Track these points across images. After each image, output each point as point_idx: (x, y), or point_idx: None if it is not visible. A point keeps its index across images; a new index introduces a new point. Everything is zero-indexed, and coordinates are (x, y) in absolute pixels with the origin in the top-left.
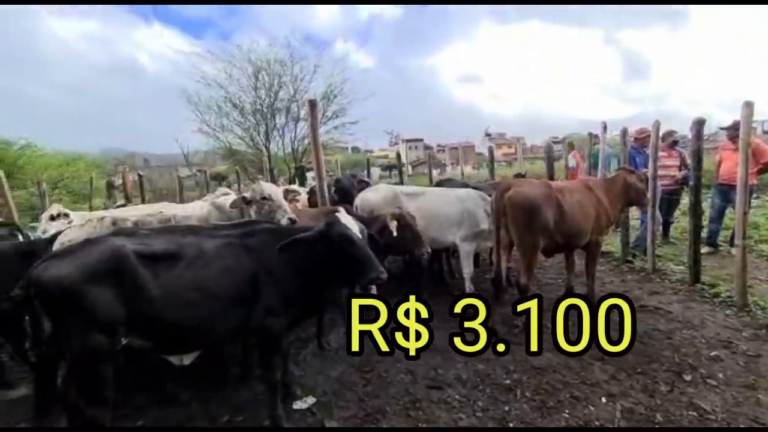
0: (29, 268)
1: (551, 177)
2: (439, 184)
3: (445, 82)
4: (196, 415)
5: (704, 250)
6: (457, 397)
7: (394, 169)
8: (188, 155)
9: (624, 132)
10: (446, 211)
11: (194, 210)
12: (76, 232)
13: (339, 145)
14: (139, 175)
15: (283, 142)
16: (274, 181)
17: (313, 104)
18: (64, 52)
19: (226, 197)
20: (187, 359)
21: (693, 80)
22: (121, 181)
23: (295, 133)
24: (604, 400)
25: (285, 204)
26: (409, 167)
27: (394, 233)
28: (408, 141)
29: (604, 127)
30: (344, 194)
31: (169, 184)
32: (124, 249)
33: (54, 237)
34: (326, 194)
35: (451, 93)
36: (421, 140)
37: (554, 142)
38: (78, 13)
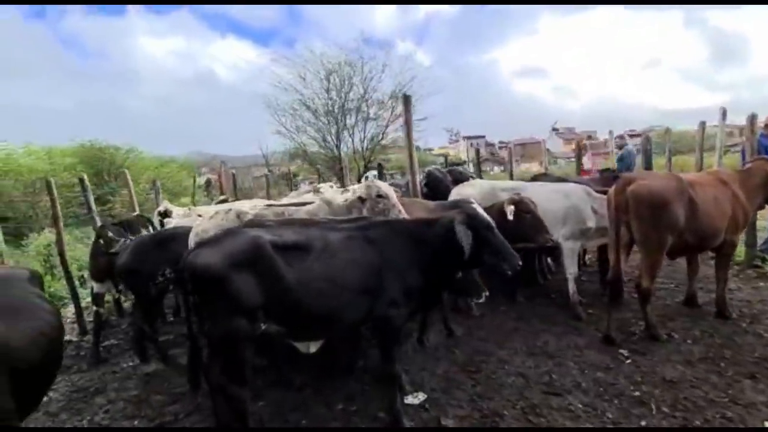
0: (164, 255)
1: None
2: (535, 179)
3: (504, 77)
4: (312, 401)
5: None
6: (580, 405)
7: (457, 167)
8: (267, 156)
9: (752, 118)
10: (550, 206)
11: (304, 207)
12: (207, 224)
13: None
14: (233, 175)
15: (353, 141)
16: (343, 179)
17: (407, 99)
18: (154, 68)
19: (326, 190)
20: (314, 347)
21: None
22: (215, 180)
23: (364, 132)
24: None
25: (398, 203)
26: (470, 165)
27: (510, 217)
28: (468, 138)
29: (724, 114)
30: (436, 187)
31: (248, 182)
32: (261, 239)
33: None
34: (419, 188)
35: (512, 88)
36: (483, 137)
37: (630, 135)
38: (166, 32)
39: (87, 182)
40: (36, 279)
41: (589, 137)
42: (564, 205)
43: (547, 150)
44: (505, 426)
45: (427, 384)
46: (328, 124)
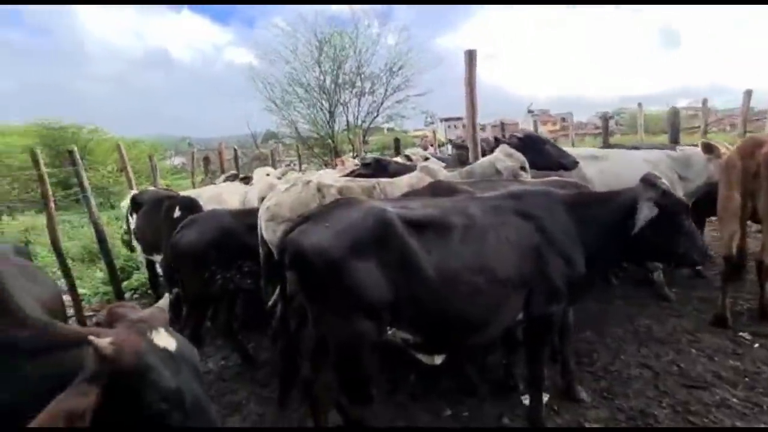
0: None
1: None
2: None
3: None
4: (412, 407)
5: None
6: (736, 401)
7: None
8: (255, 135)
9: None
10: (635, 177)
11: (402, 178)
12: (281, 197)
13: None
14: (235, 151)
15: (347, 118)
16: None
17: (471, 54)
18: (104, 48)
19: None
20: (439, 358)
21: None
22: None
23: (358, 108)
24: None
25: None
26: (449, 147)
27: None
28: (447, 120)
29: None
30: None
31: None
32: (388, 213)
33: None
34: (480, 157)
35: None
36: (460, 119)
37: (601, 118)
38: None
39: (78, 157)
40: (22, 254)
41: (564, 119)
42: None
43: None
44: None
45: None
46: (320, 99)
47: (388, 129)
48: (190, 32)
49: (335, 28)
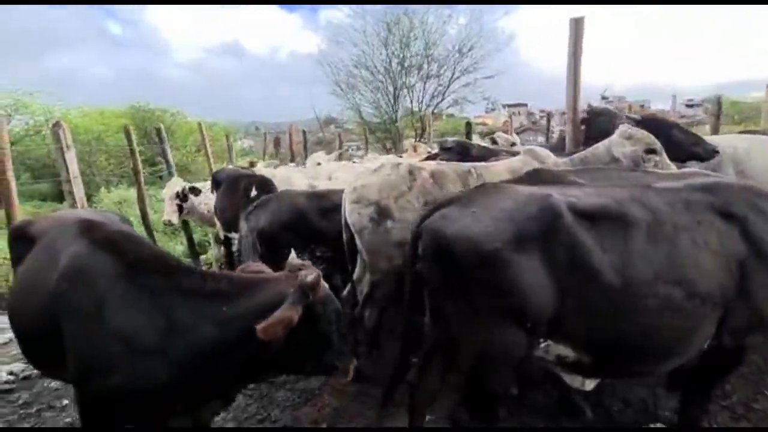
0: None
1: None
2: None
3: (525, 43)
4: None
5: None
6: None
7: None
8: (320, 119)
9: None
10: None
11: (502, 163)
12: (369, 179)
13: (447, 110)
14: (304, 133)
15: (411, 102)
16: (399, 144)
17: (578, 22)
18: (184, 38)
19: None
20: (591, 383)
21: None
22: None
23: (423, 92)
24: None
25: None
26: (514, 134)
27: None
28: (510, 106)
29: None
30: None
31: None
32: (554, 201)
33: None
34: (580, 143)
35: (533, 56)
36: (525, 105)
37: (688, 106)
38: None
39: (165, 135)
40: (126, 223)
41: (642, 106)
42: None
43: None
44: None
45: (661, 409)
46: (385, 83)
47: (448, 116)
48: (260, 20)
49: (404, 9)
